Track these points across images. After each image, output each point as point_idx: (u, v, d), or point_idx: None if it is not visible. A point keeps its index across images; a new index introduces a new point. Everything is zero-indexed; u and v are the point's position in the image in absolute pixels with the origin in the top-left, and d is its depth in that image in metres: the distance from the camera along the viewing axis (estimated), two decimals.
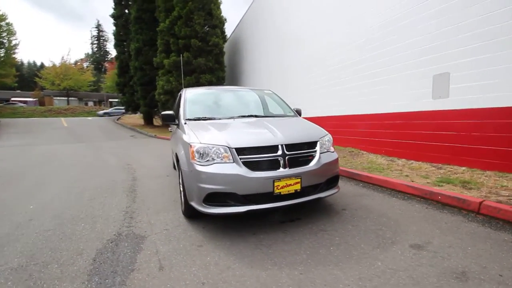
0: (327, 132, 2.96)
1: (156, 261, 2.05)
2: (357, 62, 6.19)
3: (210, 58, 14.69)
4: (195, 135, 2.63)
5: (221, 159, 2.40)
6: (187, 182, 2.54)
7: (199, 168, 2.39)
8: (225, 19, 15.31)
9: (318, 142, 2.71)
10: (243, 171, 2.32)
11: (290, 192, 2.43)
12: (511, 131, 3.56)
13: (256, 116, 3.35)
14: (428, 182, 3.60)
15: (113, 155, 8.13)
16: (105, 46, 62.29)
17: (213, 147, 2.43)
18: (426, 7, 4.58)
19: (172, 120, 3.41)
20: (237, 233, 2.48)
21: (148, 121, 21.48)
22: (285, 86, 9.90)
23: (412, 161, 4.86)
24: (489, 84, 3.76)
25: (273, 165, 2.42)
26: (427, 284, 1.67)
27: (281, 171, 2.41)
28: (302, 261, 1.98)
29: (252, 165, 2.37)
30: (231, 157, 2.38)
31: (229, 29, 15.95)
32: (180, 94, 4.05)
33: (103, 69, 54.20)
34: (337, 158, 2.83)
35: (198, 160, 2.44)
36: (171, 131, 4.32)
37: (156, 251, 2.20)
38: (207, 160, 2.41)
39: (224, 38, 15.30)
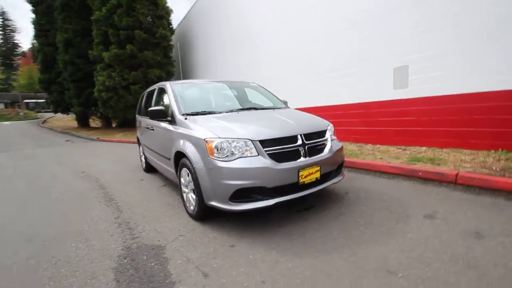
0: (329, 122, 3.08)
1: (194, 269, 1.86)
2: (320, 57, 6.55)
3: (158, 52, 13.69)
4: (207, 130, 2.44)
5: (242, 153, 2.28)
6: (204, 180, 2.35)
7: (222, 164, 2.23)
8: (171, 10, 14.39)
9: (327, 131, 2.80)
10: (270, 163, 2.25)
11: (311, 180, 2.46)
12: (460, 114, 4.26)
13: (255, 109, 3.28)
14: (402, 162, 4.06)
15: (57, 163, 6.97)
16: (12, 37, 52.46)
17: (233, 141, 2.29)
18: (385, 6, 5.10)
19: (163, 116, 3.09)
20: (262, 227, 2.41)
21: (83, 123, 18.97)
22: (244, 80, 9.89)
23: (378, 145, 5.41)
24: (442, 75, 4.41)
25: (295, 155, 2.42)
26: (458, 245, 1.91)
27: (303, 160, 2.42)
28: (343, 244, 2.04)
29: (276, 157, 2.32)
30: (254, 150, 2.28)
31: (173, 20, 15.05)
32: (162, 88, 3.68)
33: (14, 65, 45.49)
34: (343, 146, 2.97)
35: (217, 156, 2.27)
36: (151, 129, 3.89)
37: (187, 259, 1.99)
38: (227, 156, 2.27)
39: (171, 30, 14.38)
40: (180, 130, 2.77)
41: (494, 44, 3.81)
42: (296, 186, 2.38)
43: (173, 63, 14.97)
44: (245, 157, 2.25)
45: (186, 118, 2.81)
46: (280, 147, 2.36)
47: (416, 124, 4.85)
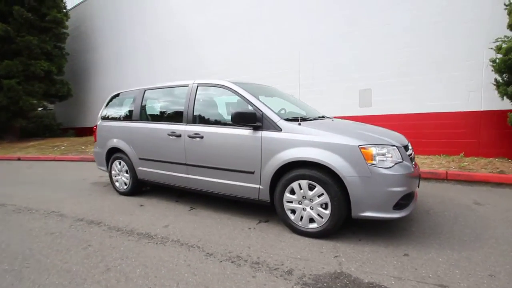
0: None
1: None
2: (287, 74, 7.04)
3: (47, 39, 10.48)
4: (350, 137, 2.28)
5: (389, 159, 2.28)
6: (358, 190, 2.16)
7: (385, 171, 2.15)
8: None
9: None
10: (412, 169, 2.37)
11: None
12: (414, 128, 5.68)
13: (323, 117, 3.24)
14: None
15: None
16: None
17: (383, 147, 2.26)
18: (350, 37, 6.17)
19: (252, 122, 2.57)
20: (396, 233, 2.45)
21: None
22: None
23: None
24: (401, 98, 5.76)
25: (411, 162, 2.63)
26: None
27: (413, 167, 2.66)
28: (479, 236, 2.36)
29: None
30: (399, 156, 2.32)
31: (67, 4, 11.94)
32: (217, 88, 3.02)
33: None
34: None
35: (375, 163, 2.18)
36: (196, 137, 3.03)
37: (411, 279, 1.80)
38: (382, 162, 2.21)
39: (67, 15, 11.32)
40: (298, 137, 2.40)
41: (439, 79, 5.39)
42: (415, 192, 2.59)
43: (66, 57, 11.80)
44: (398, 163, 2.27)
45: (299, 124, 2.48)
46: (408, 153, 2.52)
47: None
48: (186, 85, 3.27)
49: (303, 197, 2.41)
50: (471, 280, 1.77)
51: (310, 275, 1.87)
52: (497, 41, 4.41)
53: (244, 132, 2.69)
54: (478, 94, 5.06)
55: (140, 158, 3.63)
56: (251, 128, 2.65)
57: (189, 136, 3.05)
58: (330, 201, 2.28)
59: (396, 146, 2.34)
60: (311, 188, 2.37)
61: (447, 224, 2.63)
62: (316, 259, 2.06)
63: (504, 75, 4.31)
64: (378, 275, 1.85)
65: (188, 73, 8.91)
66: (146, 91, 3.70)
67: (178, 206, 3.42)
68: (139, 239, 2.52)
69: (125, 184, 3.91)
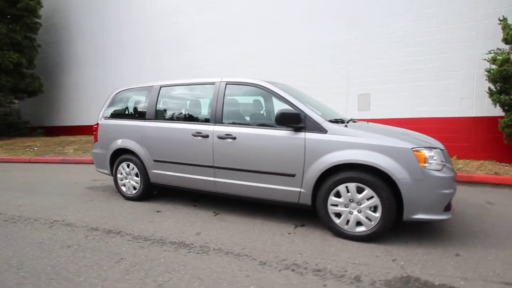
0: None
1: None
2: (284, 77, 7.04)
3: (18, 28, 9.51)
4: (399, 139, 2.30)
5: (436, 162, 2.31)
6: (411, 193, 2.16)
7: (438, 174, 2.19)
8: None
9: None
10: (454, 172, 2.44)
11: None
12: None
13: (354, 120, 3.24)
14: None
15: None
16: None
17: (431, 151, 2.30)
18: (349, 44, 6.34)
19: (296, 123, 2.49)
20: (436, 237, 2.51)
21: None
22: None
23: None
24: (397, 103, 6.01)
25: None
26: None
27: None
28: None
29: None
30: (443, 159, 2.37)
31: None
32: (250, 88, 2.89)
33: None
34: None
35: (427, 165, 2.20)
36: (228, 138, 2.85)
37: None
38: (432, 164, 2.24)
39: (40, 3, 10.33)
40: (346, 139, 2.36)
41: (435, 87, 5.71)
42: None
43: (37, 49, 10.80)
44: (444, 165, 2.32)
45: (346, 126, 2.44)
46: None
47: None
48: (212, 83, 3.09)
49: (350, 200, 2.37)
50: None
51: (380, 280, 1.82)
52: (490, 53, 4.77)
53: (283, 133, 2.60)
54: (470, 101, 5.44)
55: (155, 160, 3.36)
56: (292, 129, 2.56)
57: (219, 137, 2.87)
58: (381, 203, 2.26)
59: (441, 149, 2.40)
60: (359, 191, 2.34)
61: (475, 223, 2.75)
62: (376, 264, 2.03)
63: (497, 84, 4.67)
64: (445, 276, 1.85)
65: (180, 73, 8.58)
66: (162, 87, 3.44)
67: (199, 211, 3.21)
68: (176, 249, 2.31)
69: (134, 188, 3.61)
